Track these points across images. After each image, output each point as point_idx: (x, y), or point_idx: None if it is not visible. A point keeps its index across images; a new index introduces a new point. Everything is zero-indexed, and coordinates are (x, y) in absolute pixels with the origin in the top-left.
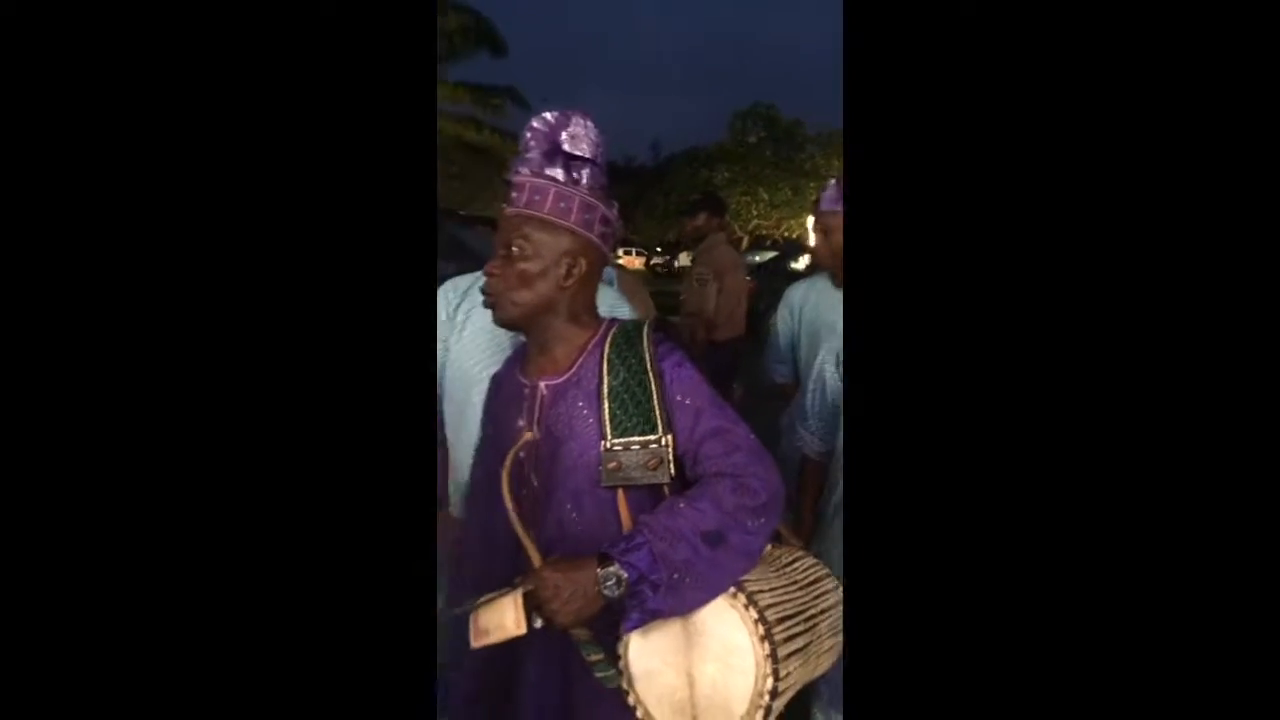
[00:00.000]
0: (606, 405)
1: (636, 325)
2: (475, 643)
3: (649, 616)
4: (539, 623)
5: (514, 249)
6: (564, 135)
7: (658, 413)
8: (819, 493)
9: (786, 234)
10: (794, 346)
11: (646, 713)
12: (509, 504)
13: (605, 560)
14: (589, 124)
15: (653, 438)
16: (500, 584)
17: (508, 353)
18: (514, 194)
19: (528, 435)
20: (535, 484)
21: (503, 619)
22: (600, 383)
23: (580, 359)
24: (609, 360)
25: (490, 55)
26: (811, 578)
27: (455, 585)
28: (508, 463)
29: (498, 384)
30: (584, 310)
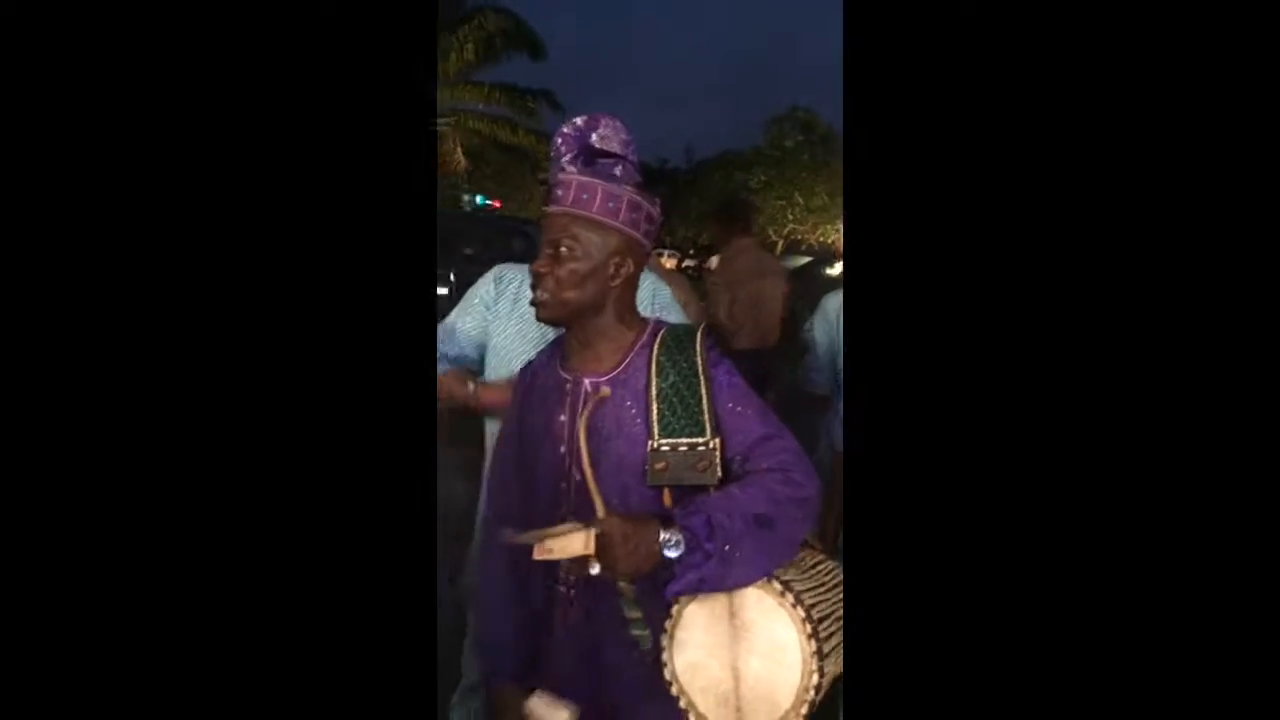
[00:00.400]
0: (655, 406)
1: (688, 330)
2: (537, 555)
3: (696, 584)
4: (597, 568)
5: (562, 249)
6: (594, 136)
7: (707, 416)
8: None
9: (822, 239)
10: (833, 355)
11: (690, 703)
12: (585, 455)
13: (667, 522)
14: (618, 124)
15: (700, 440)
16: (541, 575)
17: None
18: (559, 191)
19: (605, 391)
20: (578, 478)
21: (570, 543)
22: (649, 383)
23: (628, 358)
24: (658, 362)
25: (529, 59)
26: (835, 580)
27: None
28: (584, 417)
29: (533, 375)
30: (628, 309)
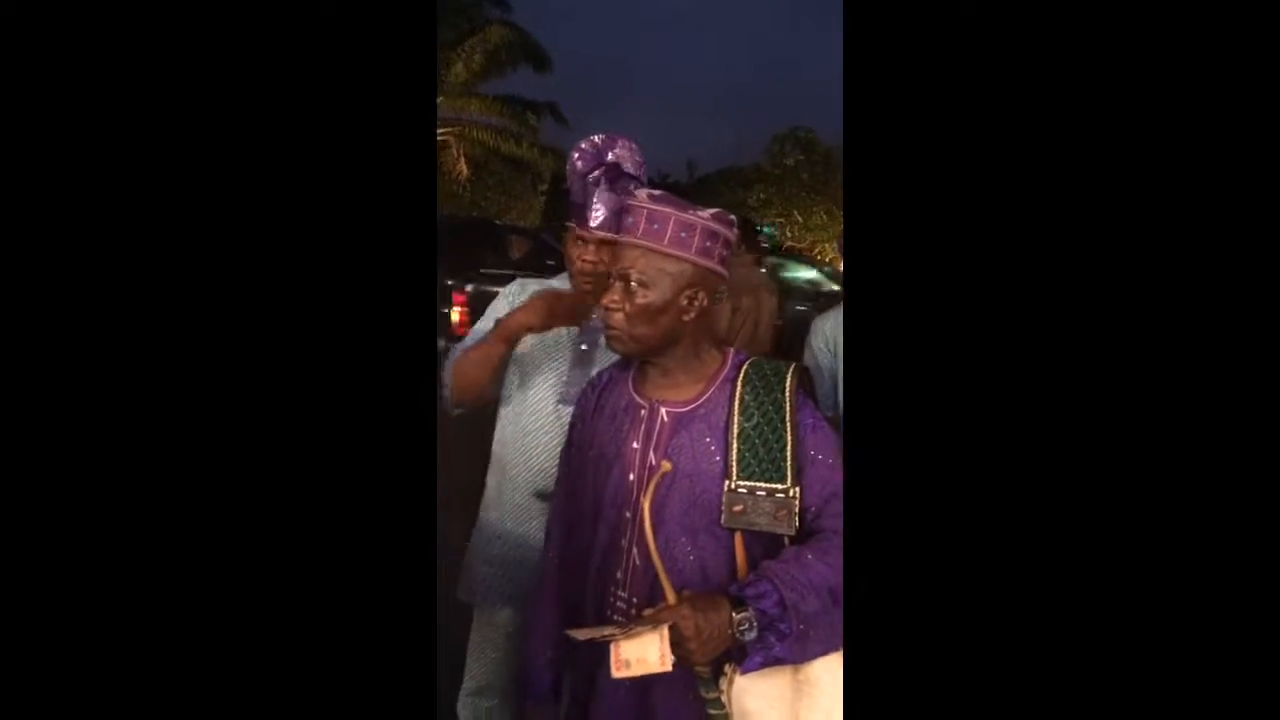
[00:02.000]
0: (736, 446)
1: (775, 368)
2: (616, 673)
3: (771, 663)
4: (671, 663)
5: (632, 283)
6: (610, 154)
7: (789, 463)
8: None
9: (820, 256)
10: (833, 374)
11: None
12: (650, 538)
13: (739, 604)
14: (634, 144)
15: (780, 487)
16: (597, 600)
17: (562, 365)
18: (629, 219)
19: (666, 466)
20: (639, 561)
21: (646, 653)
22: (730, 420)
23: (708, 391)
24: (742, 400)
25: (534, 71)
26: None
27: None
28: (648, 502)
29: (602, 390)
30: (706, 337)
